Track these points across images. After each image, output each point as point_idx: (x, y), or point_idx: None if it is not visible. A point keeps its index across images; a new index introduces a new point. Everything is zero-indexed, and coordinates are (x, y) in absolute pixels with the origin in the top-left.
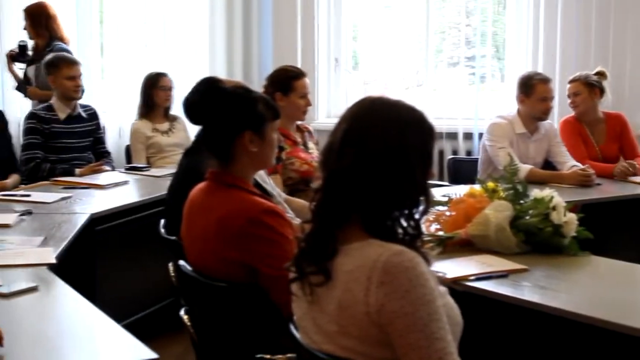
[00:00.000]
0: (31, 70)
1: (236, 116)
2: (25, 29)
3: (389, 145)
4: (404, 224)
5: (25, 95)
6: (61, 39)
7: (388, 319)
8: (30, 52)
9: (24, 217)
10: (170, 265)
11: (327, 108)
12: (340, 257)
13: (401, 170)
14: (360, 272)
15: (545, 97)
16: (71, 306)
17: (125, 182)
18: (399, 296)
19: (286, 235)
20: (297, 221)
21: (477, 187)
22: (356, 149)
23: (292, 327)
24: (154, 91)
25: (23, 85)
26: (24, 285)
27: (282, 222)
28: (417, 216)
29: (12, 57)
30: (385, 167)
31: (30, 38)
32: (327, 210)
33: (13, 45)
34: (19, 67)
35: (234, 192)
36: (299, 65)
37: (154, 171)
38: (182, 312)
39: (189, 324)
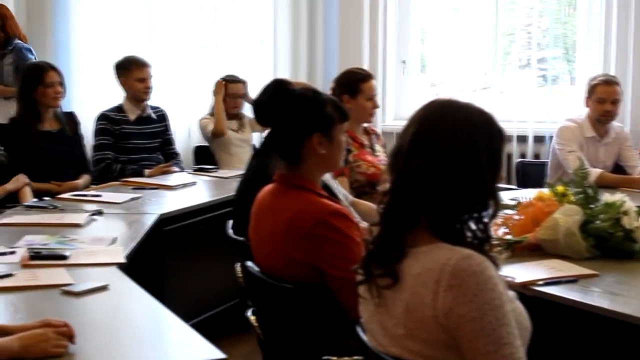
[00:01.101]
0: None
1: (305, 118)
2: None
3: (458, 148)
4: (473, 227)
5: None
6: (19, 38)
7: (456, 323)
8: None
9: (94, 217)
10: (238, 266)
11: (394, 110)
12: (408, 260)
13: (470, 173)
14: (428, 276)
15: (603, 98)
16: (140, 305)
17: (194, 183)
18: (467, 300)
19: (353, 238)
20: (363, 224)
21: (546, 191)
22: (425, 151)
23: (358, 330)
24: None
25: None
26: (94, 284)
27: (349, 224)
28: (485, 220)
29: None
30: (454, 170)
31: None
32: (395, 213)
33: None
34: None
35: (301, 194)
36: (365, 68)
37: (221, 172)
38: (249, 313)
39: (255, 324)
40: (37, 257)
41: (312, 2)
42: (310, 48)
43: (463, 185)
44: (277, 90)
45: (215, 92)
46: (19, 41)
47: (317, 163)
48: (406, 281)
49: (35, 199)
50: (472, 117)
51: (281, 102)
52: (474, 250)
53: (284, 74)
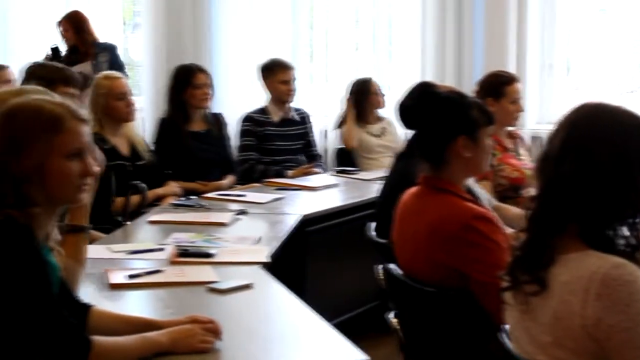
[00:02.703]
0: (86, 67)
1: (450, 121)
2: (64, 35)
3: (612, 153)
4: (625, 234)
5: None
6: (96, 39)
7: (605, 334)
8: (62, 54)
9: (239, 216)
10: (379, 268)
11: (538, 114)
12: (556, 267)
13: (623, 178)
14: (577, 284)
15: None
16: (284, 304)
17: (335, 185)
18: (618, 310)
19: (498, 242)
20: (508, 230)
21: None
22: (576, 156)
23: (503, 336)
24: (368, 97)
25: None
26: (239, 282)
27: (494, 229)
28: (639, 227)
29: (49, 59)
30: (607, 176)
31: (69, 43)
32: (544, 219)
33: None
34: None
35: (446, 197)
36: (511, 71)
37: (363, 174)
38: (390, 315)
39: (397, 327)
40: (185, 254)
41: (459, 6)
42: (457, 52)
43: (615, 191)
44: (423, 93)
45: (347, 112)
46: (102, 42)
47: (462, 166)
48: (554, 288)
49: (182, 198)
50: (624, 121)
51: (427, 104)
52: (625, 259)
53: (430, 78)
